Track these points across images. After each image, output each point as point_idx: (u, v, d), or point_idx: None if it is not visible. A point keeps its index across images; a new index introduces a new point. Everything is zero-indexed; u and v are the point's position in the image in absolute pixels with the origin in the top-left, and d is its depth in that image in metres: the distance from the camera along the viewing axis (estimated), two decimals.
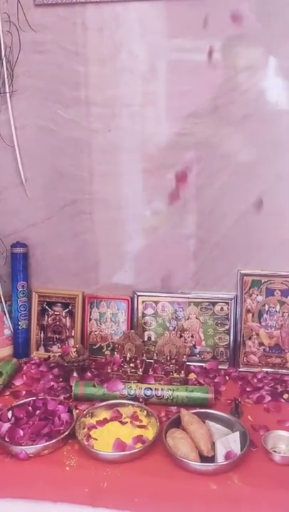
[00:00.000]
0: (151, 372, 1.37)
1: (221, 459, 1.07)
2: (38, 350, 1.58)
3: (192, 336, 1.51)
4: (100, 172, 1.47)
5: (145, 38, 1.36)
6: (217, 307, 1.49)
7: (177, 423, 1.19)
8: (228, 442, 1.11)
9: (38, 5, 1.36)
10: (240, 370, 1.47)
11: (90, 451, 1.10)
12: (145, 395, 1.29)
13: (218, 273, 1.49)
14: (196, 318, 1.50)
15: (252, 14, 1.28)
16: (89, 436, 1.16)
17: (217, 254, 1.47)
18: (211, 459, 1.09)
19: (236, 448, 1.10)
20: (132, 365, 1.39)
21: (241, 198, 1.42)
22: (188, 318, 1.50)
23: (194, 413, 1.20)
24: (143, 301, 1.52)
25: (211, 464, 1.07)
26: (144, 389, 1.30)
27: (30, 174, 1.51)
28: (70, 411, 1.23)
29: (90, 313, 1.55)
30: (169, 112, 1.40)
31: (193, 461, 1.06)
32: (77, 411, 1.24)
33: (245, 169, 1.40)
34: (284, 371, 1.45)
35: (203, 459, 1.08)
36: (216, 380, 1.41)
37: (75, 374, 1.40)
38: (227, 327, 1.49)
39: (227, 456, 1.08)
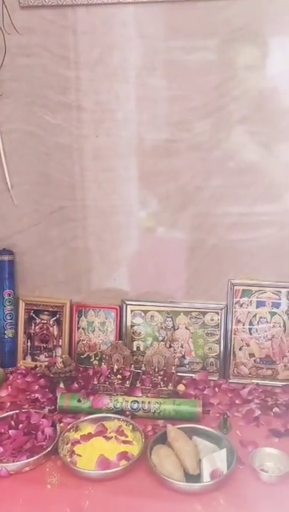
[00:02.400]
0: (138, 384, 1.34)
1: (206, 478, 1.05)
2: (24, 359, 1.56)
3: (182, 346, 1.48)
4: (88, 178, 1.44)
5: (134, 41, 1.32)
6: (207, 317, 1.46)
7: (163, 438, 1.16)
8: (215, 460, 1.08)
9: (24, 7, 1.32)
10: (231, 381, 1.44)
11: (72, 469, 1.07)
12: (132, 408, 1.26)
13: (209, 282, 1.46)
14: (186, 328, 1.47)
15: (247, 13, 1.25)
16: (72, 452, 1.13)
17: (208, 264, 1.45)
18: (197, 477, 1.06)
19: (223, 466, 1.07)
20: (119, 376, 1.37)
21: (234, 205, 1.39)
22: (177, 328, 1.48)
23: (181, 428, 1.17)
24: (132, 310, 1.50)
25: (196, 484, 1.04)
26: (131, 402, 1.27)
27: (17, 180, 1.47)
28: (54, 425, 1.20)
29: (78, 321, 1.53)
30: (160, 116, 1.37)
31: (178, 480, 1.03)
32: (61, 424, 1.22)
33: (235, 176, 1.37)
34: (275, 383, 1.42)
35: (189, 477, 1.05)
36: (205, 392, 1.38)
37: (61, 385, 1.38)
38: (217, 337, 1.46)
39: (213, 474, 1.05)
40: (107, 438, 1.17)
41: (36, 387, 1.40)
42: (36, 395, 1.36)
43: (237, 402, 1.34)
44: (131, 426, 1.20)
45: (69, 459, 1.10)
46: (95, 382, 1.35)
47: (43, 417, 1.22)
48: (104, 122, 1.39)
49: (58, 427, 1.19)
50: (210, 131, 1.35)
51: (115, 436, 1.17)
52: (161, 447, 1.12)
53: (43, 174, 1.46)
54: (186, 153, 1.38)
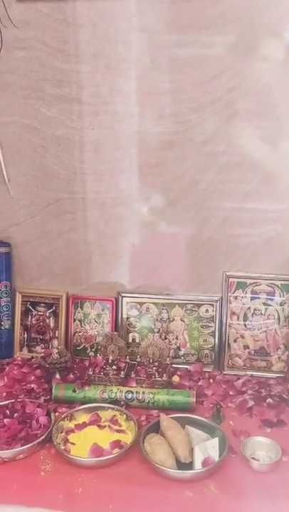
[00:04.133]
0: (133, 375, 1.36)
1: (198, 466, 1.06)
2: (21, 350, 1.57)
3: (177, 338, 1.49)
4: (84, 171, 1.45)
5: (131, 34, 1.33)
6: (202, 309, 1.47)
7: (157, 428, 1.17)
8: (207, 448, 1.09)
9: (20, 0, 1.33)
10: (225, 372, 1.45)
11: (66, 457, 1.09)
12: (126, 398, 1.28)
13: (204, 275, 1.47)
14: (181, 320, 1.48)
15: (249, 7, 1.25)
16: (66, 441, 1.14)
17: (203, 256, 1.46)
18: (189, 465, 1.07)
19: (214, 454, 1.08)
20: (114, 367, 1.38)
21: (227, 198, 1.40)
22: (173, 320, 1.48)
23: (175, 418, 1.19)
24: (127, 303, 1.51)
25: (188, 472, 1.05)
26: (125, 392, 1.28)
27: (14, 173, 1.48)
28: (48, 414, 1.21)
29: (74, 313, 1.54)
30: (157, 109, 1.37)
31: (170, 467, 1.05)
32: (56, 414, 1.23)
33: (230, 169, 1.38)
34: (269, 375, 1.43)
35: (181, 465, 1.07)
36: (199, 383, 1.39)
37: (57, 375, 1.39)
38: (212, 329, 1.47)
39: (204, 462, 1.06)
40: (101, 427, 1.19)
41: (32, 377, 1.42)
42: (32, 385, 1.37)
43: (231, 393, 1.35)
44: (125, 415, 1.22)
45: (63, 447, 1.12)
46: (90, 373, 1.36)
47: (37, 407, 1.23)
48: (101, 115, 1.39)
49: (52, 416, 1.20)
50: (206, 125, 1.35)
51: (109, 426, 1.19)
52: (153, 436, 1.14)
53: (40, 167, 1.46)
54: (183, 146, 1.38)
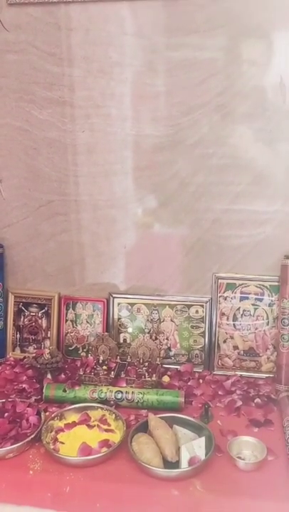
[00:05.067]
0: (123, 375, 1.37)
1: (185, 465, 1.07)
2: (14, 350, 1.58)
3: (167, 339, 1.51)
4: (76, 173, 1.46)
5: (122, 38, 1.34)
6: (192, 310, 1.48)
7: (145, 427, 1.18)
8: (193, 448, 1.10)
9: (11, 4, 1.35)
10: (215, 373, 1.47)
11: (54, 456, 1.10)
12: (116, 397, 1.29)
13: (194, 276, 1.48)
14: (171, 320, 1.50)
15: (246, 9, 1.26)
16: (56, 440, 1.16)
17: (193, 257, 1.47)
18: (176, 464, 1.09)
19: (201, 453, 1.09)
20: (104, 367, 1.39)
21: (217, 200, 1.42)
22: (163, 321, 1.50)
23: (163, 417, 1.20)
24: (119, 303, 1.52)
25: (174, 470, 1.07)
26: (115, 392, 1.30)
27: (6, 174, 1.50)
28: (38, 413, 1.23)
29: (66, 314, 1.55)
30: (147, 113, 1.39)
31: (157, 466, 1.06)
32: (46, 413, 1.25)
33: (220, 171, 1.39)
34: (258, 375, 1.45)
35: (168, 464, 1.08)
36: (189, 383, 1.40)
37: (48, 376, 1.40)
38: (202, 330, 1.48)
39: (191, 461, 1.07)
40: (90, 426, 1.20)
41: (24, 377, 1.43)
42: (23, 385, 1.38)
43: (220, 393, 1.36)
44: (114, 415, 1.23)
45: (52, 446, 1.13)
46: (81, 373, 1.37)
47: (28, 406, 1.24)
48: (92, 118, 1.41)
49: (42, 416, 1.22)
50: (197, 127, 1.37)
51: (98, 425, 1.20)
52: (141, 435, 1.15)
53: (32, 169, 1.48)
54: (174, 149, 1.40)
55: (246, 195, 1.40)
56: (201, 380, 1.43)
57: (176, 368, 1.48)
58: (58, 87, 1.39)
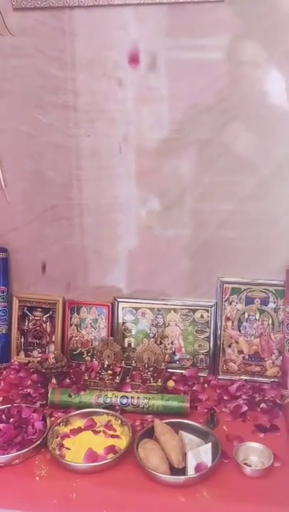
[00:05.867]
0: (128, 380, 1.36)
1: (191, 471, 1.07)
2: (18, 355, 1.58)
3: (172, 343, 1.50)
4: (81, 177, 1.46)
5: (128, 42, 1.33)
6: (197, 314, 1.48)
7: (151, 433, 1.18)
8: (200, 454, 1.10)
9: (17, 9, 1.34)
10: (220, 377, 1.46)
11: (61, 462, 1.10)
12: (121, 403, 1.29)
13: (199, 280, 1.48)
14: (176, 325, 1.49)
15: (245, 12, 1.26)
16: (61, 446, 1.15)
17: (198, 261, 1.46)
18: (182, 471, 1.08)
19: (207, 460, 1.09)
20: (109, 372, 1.38)
21: (222, 203, 1.41)
22: (168, 325, 1.50)
23: (169, 423, 1.20)
24: (123, 308, 1.52)
25: (181, 477, 1.06)
26: (120, 397, 1.29)
27: (10, 178, 1.50)
28: (44, 419, 1.23)
29: (71, 318, 1.55)
30: (151, 116, 1.38)
31: (163, 473, 1.06)
32: (52, 419, 1.24)
33: (226, 173, 1.39)
34: (263, 379, 1.44)
35: (174, 470, 1.08)
36: (194, 388, 1.40)
37: (53, 380, 1.40)
38: (207, 334, 1.48)
39: (197, 468, 1.07)
40: (96, 432, 1.19)
41: (29, 382, 1.42)
42: (28, 390, 1.38)
43: (225, 398, 1.36)
44: (120, 420, 1.22)
45: (58, 452, 1.13)
46: (86, 378, 1.37)
47: (33, 412, 1.24)
48: (97, 122, 1.40)
49: (48, 421, 1.21)
50: (202, 130, 1.36)
51: (104, 431, 1.19)
52: (147, 441, 1.15)
53: (36, 173, 1.47)
54: (179, 152, 1.39)
55: (252, 198, 1.39)
56: (206, 385, 1.43)
57: (181, 373, 1.47)
58: (64, 92, 1.39)
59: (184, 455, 1.11)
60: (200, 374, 1.47)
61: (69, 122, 1.41)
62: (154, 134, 1.39)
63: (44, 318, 1.55)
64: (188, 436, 1.18)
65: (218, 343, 1.47)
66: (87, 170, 1.45)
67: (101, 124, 1.41)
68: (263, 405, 1.32)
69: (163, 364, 1.41)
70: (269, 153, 1.36)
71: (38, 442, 1.14)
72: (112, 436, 1.18)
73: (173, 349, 1.50)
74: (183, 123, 1.37)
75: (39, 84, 1.40)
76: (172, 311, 1.49)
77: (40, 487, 1.07)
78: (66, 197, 1.48)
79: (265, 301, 1.43)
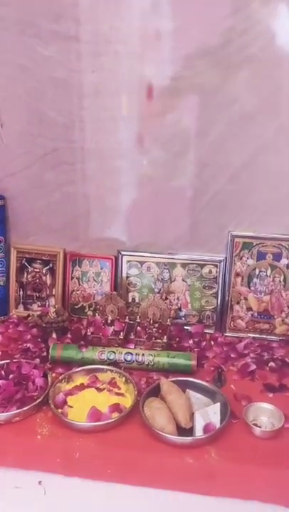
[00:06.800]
0: (133, 336, 1.32)
1: (199, 431, 1.04)
2: (17, 308, 1.52)
3: (178, 299, 1.45)
4: (83, 118, 1.33)
5: None
6: (205, 269, 1.41)
7: (156, 391, 1.14)
8: (208, 414, 1.07)
9: None
10: (227, 335, 1.42)
11: (63, 420, 1.06)
12: (125, 359, 1.24)
13: (208, 234, 1.40)
14: (183, 280, 1.43)
15: None
16: (64, 403, 1.11)
17: (208, 214, 1.38)
18: (190, 431, 1.05)
19: (216, 420, 1.05)
20: (113, 327, 1.33)
21: (237, 152, 1.30)
22: (174, 280, 1.43)
23: (175, 381, 1.16)
24: (128, 261, 1.45)
25: (188, 438, 1.03)
26: (125, 353, 1.25)
27: (7, 118, 1.37)
28: (45, 375, 1.18)
29: (72, 271, 1.48)
30: (164, 52, 1.25)
31: (170, 433, 1.02)
32: (53, 375, 1.20)
33: (243, 121, 1.27)
34: (272, 337, 1.40)
35: (182, 430, 1.04)
36: (200, 345, 1.35)
37: (54, 335, 1.35)
38: (215, 290, 1.42)
39: (206, 428, 1.04)
40: (99, 390, 1.15)
41: (28, 336, 1.38)
42: (28, 345, 1.33)
43: (232, 355, 1.32)
44: (124, 378, 1.18)
45: (60, 410, 1.09)
46: (88, 334, 1.32)
47: (34, 368, 1.20)
48: (103, 56, 1.27)
49: (49, 378, 1.17)
50: (216, 71, 1.23)
51: (108, 388, 1.16)
52: (153, 400, 1.11)
53: (35, 112, 1.35)
54: (190, 94, 1.27)
55: (268, 148, 1.28)
56: (212, 342, 1.39)
57: (187, 329, 1.42)
58: (66, 20, 1.24)
59: (192, 415, 1.07)
60: (206, 331, 1.43)
61: (71, 55, 1.27)
62: (165, 72, 1.26)
63: (44, 271, 1.49)
64: (195, 396, 1.14)
65: (226, 299, 1.41)
66: (90, 110, 1.32)
67: (105, 59, 1.27)
68: (271, 364, 1.28)
69: (168, 320, 1.36)
70: (285, 102, 1.23)
71: (40, 400, 1.09)
72: (117, 394, 1.15)
73: (179, 305, 1.45)
74: (195, 61, 1.23)
75: (38, 11, 1.24)
76: (179, 265, 1.42)
77: (42, 446, 1.03)
78: (68, 140, 1.36)
79: (277, 257, 1.36)
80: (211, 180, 1.34)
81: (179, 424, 1.05)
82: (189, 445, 1.02)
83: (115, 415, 1.07)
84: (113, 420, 1.05)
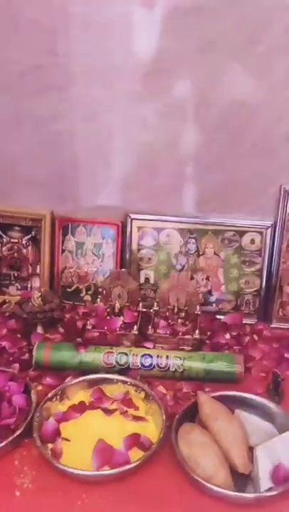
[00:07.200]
0: (150, 331, 1.03)
1: (266, 480, 0.71)
2: None
3: (208, 279, 1.17)
4: (75, 21, 1.00)
5: None
6: (246, 239, 1.15)
7: (192, 413, 0.83)
8: (275, 449, 0.75)
9: None
10: (274, 326, 1.15)
11: (55, 466, 0.73)
12: (143, 364, 0.96)
13: (250, 190, 1.12)
14: (215, 253, 1.16)
15: None
16: (56, 435, 0.79)
17: (249, 163, 1.09)
18: (248, 477, 0.73)
19: (287, 458, 0.73)
20: (122, 319, 1.04)
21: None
22: (203, 254, 1.17)
23: (216, 397, 0.84)
24: (139, 228, 1.18)
25: (251, 495, 0.70)
26: (141, 356, 0.97)
27: None
28: (27, 390, 0.88)
29: (63, 242, 1.22)
30: None
31: (224, 485, 0.69)
32: (39, 388, 0.91)
33: None
34: None
35: (236, 476, 0.73)
36: (242, 342, 1.06)
37: (39, 329, 1.10)
38: (258, 267, 1.16)
39: (275, 474, 0.71)
40: (108, 411, 0.85)
41: (3, 331, 1.11)
42: (3, 344, 1.05)
43: (287, 355, 1.04)
44: (143, 393, 0.89)
45: (50, 447, 0.77)
46: (88, 327, 1.02)
47: (10, 379, 0.90)
48: None
49: (33, 395, 0.87)
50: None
51: (120, 409, 0.85)
52: (191, 428, 0.80)
53: (8, 12, 1.01)
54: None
55: None
56: (255, 336, 1.11)
57: (220, 319, 1.14)
58: None
59: (249, 450, 0.76)
60: (245, 321, 1.16)
61: None
62: None
63: (24, 242, 1.23)
64: (247, 418, 0.83)
65: (274, 279, 1.15)
66: (88, 6, 0.98)
67: None
68: None
69: (198, 307, 1.07)
70: None
71: (20, 431, 0.78)
72: (134, 418, 0.84)
73: (209, 287, 1.18)
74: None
75: None
76: (210, 233, 1.15)
77: (21, 508, 0.70)
78: (56, 52, 1.03)
79: None
80: (253, 120, 1.04)
81: (234, 467, 0.74)
82: (254, 503, 0.69)
83: (136, 454, 0.75)
84: (134, 466, 0.72)
